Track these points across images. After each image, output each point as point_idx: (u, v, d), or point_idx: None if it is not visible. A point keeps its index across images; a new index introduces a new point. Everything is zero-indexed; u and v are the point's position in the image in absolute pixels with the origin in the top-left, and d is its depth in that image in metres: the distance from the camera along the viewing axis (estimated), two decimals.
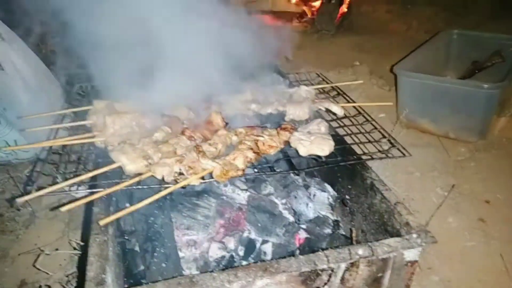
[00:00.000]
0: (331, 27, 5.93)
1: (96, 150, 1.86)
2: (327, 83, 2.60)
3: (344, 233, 1.93)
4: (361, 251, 1.36)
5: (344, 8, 6.05)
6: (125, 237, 1.65)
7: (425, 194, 2.62)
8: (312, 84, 2.56)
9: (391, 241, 1.41)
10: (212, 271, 1.26)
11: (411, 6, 6.17)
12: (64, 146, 1.87)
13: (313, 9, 6.17)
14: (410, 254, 1.45)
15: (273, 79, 2.77)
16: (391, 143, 1.96)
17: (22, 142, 2.76)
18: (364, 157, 1.85)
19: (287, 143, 1.90)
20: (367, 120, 2.15)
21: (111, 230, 1.48)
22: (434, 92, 3.07)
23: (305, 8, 6.24)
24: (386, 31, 5.78)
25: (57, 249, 2.01)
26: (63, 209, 1.39)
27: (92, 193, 1.50)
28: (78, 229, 2.38)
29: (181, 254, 1.76)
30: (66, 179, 1.58)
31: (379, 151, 1.90)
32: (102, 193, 1.51)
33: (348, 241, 1.85)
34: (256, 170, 1.76)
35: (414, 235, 1.44)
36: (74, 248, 2.16)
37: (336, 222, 1.93)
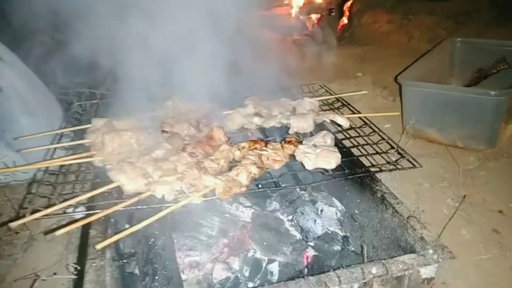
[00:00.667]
0: (332, 40, 5.91)
1: (95, 169, 1.80)
2: (331, 94, 2.55)
3: (354, 249, 1.84)
4: (374, 269, 1.28)
5: (344, 20, 6.05)
6: (124, 261, 1.57)
7: (435, 206, 2.53)
8: (315, 96, 2.51)
9: (406, 257, 1.33)
10: None
11: (412, 16, 6.14)
12: (61, 166, 1.81)
13: (313, 22, 6.16)
14: (427, 271, 1.37)
15: (275, 92, 2.72)
16: (400, 154, 1.89)
17: (21, 163, 2.70)
18: (372, 169, 1.78)
19: (292, 156, 1.83)
20: (374, 130, 2.08)
21: (109, 254, 1.40)
22: (440, 101, 3.00)
23: (305, 21, 6.22)
24: (388, 42, 5.74)
25: (55, 273, 1.93)
26: (58, 233, 1.32)
27: (89, 215, 1.44)
28: (77, 252, 2.30)
29: (183, 277, 1.67)
30: (63, 201, 1.52)
31: (388, 162, 1.83)
32: (99, 214, 1.44)
33: (359, 258, 1.76)
34: (260, 186, 1.70)
35: (430, 251, 1.35)
36: (72, 273, 2.08)
37: (345, 238, 1.85)
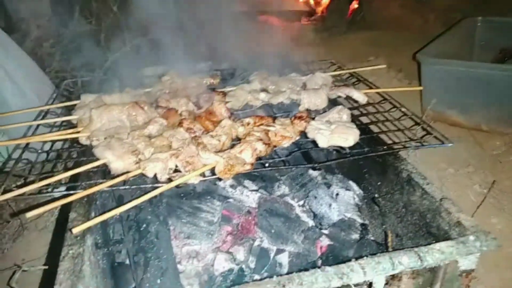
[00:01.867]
0: (342, 24, 5.67)
1: (81, 147, 1.59)
2: (344, 70, 2.32)
3: (374, 238, 1.62)
4: (406, 259, 1.05)
5: (354, 5, 5.79)
6: (109, 248, 1.37)
7: (461, 192, 2.30)
8: (327, 72, 2.28)
9: (443, 245, 1.11)
10: None
11: None
12: (43, 144, 1.61)
13: (322, 6, 5.91)
14: (466, 262, 1.15)
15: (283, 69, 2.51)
16: (426, 130, 1.66)
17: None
18: (395, 146, 1.55)
19: (303, 133, 1.61)
20: (395, 106, 1.85)
21: (90, 239, 1.19)
22: (463, 79, 2.75)
23: (314, 5, 5.98)
24: (401, 26, 5.47)
25: (33, 266, 1.74)
26: (29, 214, 1.12)
27: (68, 195, 1.23)
28: None
29: (180, 268, 1.47)
30: (41, 180, 1.31)
31: (412, 139, 1.60)
32: (80, 194, 1.24)
33: (380, 248, 1.54)
34: (267, 165, 1.47)
35: (471, 238, 1.13)
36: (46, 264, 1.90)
37: (364, 226, 1.63)
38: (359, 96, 1.90)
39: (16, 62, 2.78)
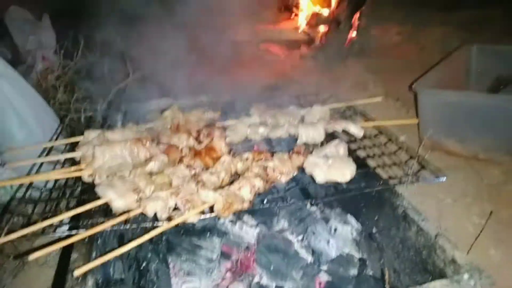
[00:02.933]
0: (341, 53, 5.77)
1: (83, 185, 1.63)
2: (341, 102, 2.36)
3: (372, 273, 1.63)
4: None
5: (352, 33, 5.91)
6: None
7: (459, 223, 2.31)
8: (325, 104, 2.32)
9: (438, 284, 1.13)
10: None
11: (422, 27, 6.00)
12: (47, 182, 1.65)
13: (321, 35, 6.04)
14: None
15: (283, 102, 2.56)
16: (421, 164, 1.69)
17: None
18: (391, 181, 1.59)
19: (301, 168, 1.65)
20: (391, 139, 1.89)
21: (91, 281, 1.21)
22: (460, 109, 2.79)
23: (313, 34, 6.11)
24: (399, 54, 5.58)
25: None
26: (31, 257, 1.15)
27: (70, 235, 1.26)
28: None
29: None
30: (44, 219, 1.34)
31: (407, 174, 1.63)
32: (82, 235, 1.26)
33: (378, 284, 1.55)
34: (265, 201, 1.50)
35: (466, 276, 1.15)
36: None
37: (362, 261, 1.64)
38: (356, 130, 1.94)
39: (21, 95, 2.83)
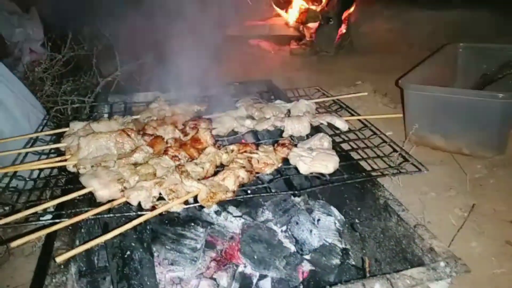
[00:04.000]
0: (331, 49, 5.81)
1: (68, 175, 1.63)
2: (328, 97, 2.39)
3: (354, 263, 1.66)
4: (378, 285, 1.10)
5: (343, 29, 5.94)
6: (93, 276, 1.39)
7: (442, 216, 2.34)
8: (312, 99, 2.35)
9: (414, 271, 1.15)
10: None
11: (411, 25, 6.05)
12: (31, 173, 1.65)
13: (311, 31, 6.06)
14: (438, 287, 1.19)
15: (270, 96, 2.59)
16: (403, 157, 1.73)
17: None
18: (374, 173, 1.62)
19: (286, 160, 1.67)
20: (375, 133, 1.92)
21: (74, 268, 1.22)
22: (445, 105, 2.84)
23: (303, 30, 6.13)
24: (388, 50, 5.62)
25: None
26: (13, 244, 1.16)
27: (54, 224, 1.27)
28: None
29: None
30: (28, 208, 1.35)
31: (390, 166, 1.66)
32: (65, 223, 1.27)
33: (360, 273, 1.58)
34: (249, 192, 1.52)
35: (442, 264, 1.18)
36: None
37: (345, 251, 1.66)
38: (341, 123, 1.97)
39: (8, 87, 2.80)
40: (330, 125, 2.01)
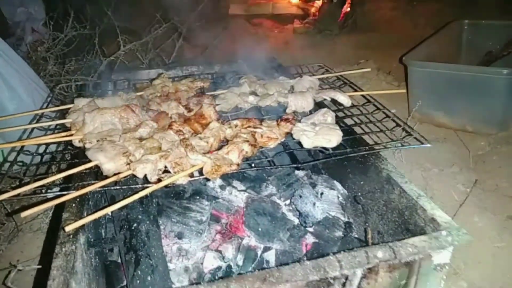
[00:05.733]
0: (334, 27, 5.75)
1: (74, 150, 1.65)
2: (331, 73, 2.38)
3: (357, 236, 1.69)
4: (380, 253, 1.12)
5: (346, 8, 5.86)
6: (102, 247, 1.42)
7: (445, 192, 2.36)
8: (315, 75, 2.34)
9: (416, 240, 1.17)
10: (198, 283, 1.03)
11: (416, 2, 5.96)
12: (38, 147, 1.67)
13: (314, 10, 5.99)
14: (440, 256, 1.21)
15: (273, 73, 2.58)
16: (406, 131, 1.73)
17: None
18: (377, 147, 1.62)
19: (289, 135, 1.68)
20: (378, 108, 1.92)
21: (83, 238, 1.25)
22: (448, 82, 2.82)
23: (306, 9, 6.06)
24: (392, 29, 5.56)
25: (28, 265, 1.80)
26: (23, 214, 1.18)
27: (61, 196, 1.29)
28: None
29: (170, 266, 1.53)
30: (35, 181, 1.37)
31: (393, 140, 1.67)
32: (72, 194, 1.30)
33: (363, 244, 1.60)
34: (253, 165, 1.54)
35: (444, 233, 1.20)
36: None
37: (348, 224, 1.69)
38: (344, 99, 1.96)
39: (11, 66, 2.82)
40: (333, 101, 2.01)
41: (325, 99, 2.02)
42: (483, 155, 2.70)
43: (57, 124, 1.84)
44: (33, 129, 1.78)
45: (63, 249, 1.15)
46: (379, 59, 4.41)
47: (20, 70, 2.93)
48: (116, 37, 3.72)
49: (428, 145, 1.63)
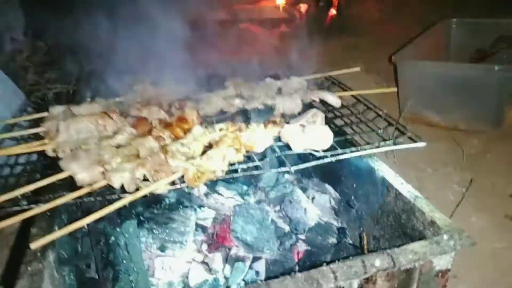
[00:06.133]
0: (321, 31, 5.70)
1: (46, 161, 1.54)
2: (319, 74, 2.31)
3: (352, 242, 1.60)
4: (378, 261, 1.03)
5: (333, 11, 5.84)
6: (75, 264, 1.31)
7: (440, 192, 2.29)
8: (303, 76, 2.26)
9: (416, 246, 1.09)
10: None
11: (403, 5, 5.95)
12: (8, 159, 1.56)
13: (301, 14, 5.95)
14: (441, 262, 1.13)
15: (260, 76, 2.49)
16: (399, 130, 1.65)
17: None
18: (368, 147, 1.54)
19: (277, 138, 1.58)
20: (369, 108, 1.84)
21: (53, 255, 1.14)
22: (439, 80, 2.77)
23: (293, 13, 6.01)
24: (380, 32, 5.53)
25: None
26: None
27: (29, 209, 1.18)
28: None
29: (153, 281, 1.42)
30: (1, 194, 1.26)
31: (385, 140, 1.58)
32: (42, 208, 1.19)
33: (358, 251, 1.51)
34: (239, 170, 1.44)
35: (445, 237, 1.11)
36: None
37: (341, 229, 1.60)
38: (333, 99, 1.88)
39: None
40: (322, 102, 1.93)
41: (314, 100, 1.93)
42: (477, 154, 2.64)
43: (30, 134, 1.73)
44: (2, 139, 1.66)
45: (29, 268, 1.05)
46: (368, 61, 4.36)
47: None
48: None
49: (423, 143, 1.55)
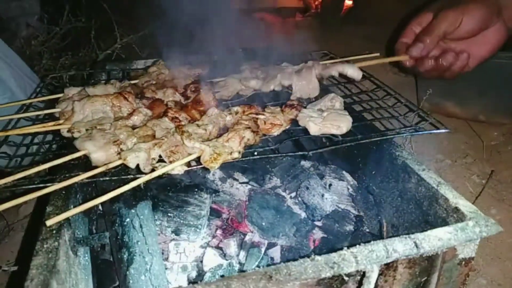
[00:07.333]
0: (337, 20, 5.62)
1: (62, 140, 1.53)
2: (337, 59, 2.25)
3: (369, 230, 1.56)
4: (401, 246, 0.99)
5: (348, 1, 5.74)
6: (91, 244, 1.30)
7: (459, 184, 2.24)
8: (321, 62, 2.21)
9: (441, 232, 1.04)
10: (196, 283, 0.90)
11: None
12: (23, 138, 1.55)
13: (316, 3, 5.86)
14: (465, 249, 1.09)
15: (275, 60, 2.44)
16: (421, 116, 1.60)
17: None
18: (390, 133, 1.49)
19: (294, 121, 1.55)
20: (389, 93, 1.79)
21: (68, 234, 1.13)
22: None
23: (308, 2, 5.93)
24: (397, 20, 5.41)
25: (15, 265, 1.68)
26: (1, 207, 1.06)
27: (44, 187, 1.17)
28: None
29: (167, 264, 1.40)
30: (17, 173, 1.25)
31: (406, 126, 1.54)
32: (57, 186, 1.17)
33: (375, 239, 1.47)
34: (256, 153, 1.41)
35: (471, 223, 1.07)
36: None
37: (359, 217, 1.56)
38: (353, 72, 1.80)
39: (3, 61, 2.72)
40: (339, 86, 1.89)
41: (332, 76, 1.88)
42: (497, 146, 2.57)
43: (45, 115, 1.72)
44: (19, 119, 1.65)
45: (45, 245, 1.03)
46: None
47: (12, 64, 2.82)
48: (113, 30, 3.60)
49: (446, 129, 1.51)
